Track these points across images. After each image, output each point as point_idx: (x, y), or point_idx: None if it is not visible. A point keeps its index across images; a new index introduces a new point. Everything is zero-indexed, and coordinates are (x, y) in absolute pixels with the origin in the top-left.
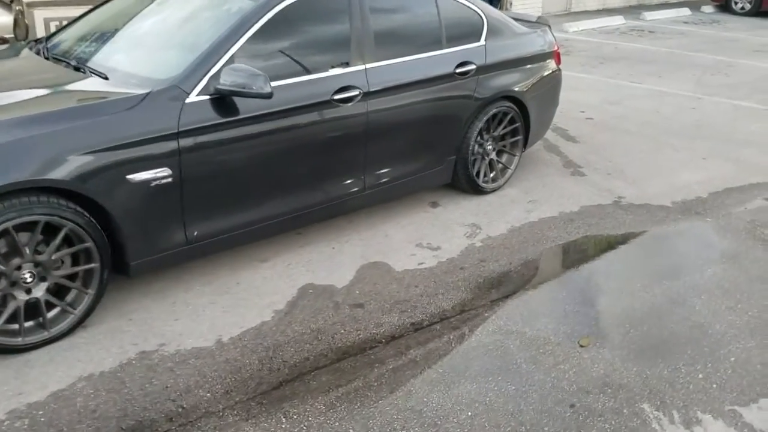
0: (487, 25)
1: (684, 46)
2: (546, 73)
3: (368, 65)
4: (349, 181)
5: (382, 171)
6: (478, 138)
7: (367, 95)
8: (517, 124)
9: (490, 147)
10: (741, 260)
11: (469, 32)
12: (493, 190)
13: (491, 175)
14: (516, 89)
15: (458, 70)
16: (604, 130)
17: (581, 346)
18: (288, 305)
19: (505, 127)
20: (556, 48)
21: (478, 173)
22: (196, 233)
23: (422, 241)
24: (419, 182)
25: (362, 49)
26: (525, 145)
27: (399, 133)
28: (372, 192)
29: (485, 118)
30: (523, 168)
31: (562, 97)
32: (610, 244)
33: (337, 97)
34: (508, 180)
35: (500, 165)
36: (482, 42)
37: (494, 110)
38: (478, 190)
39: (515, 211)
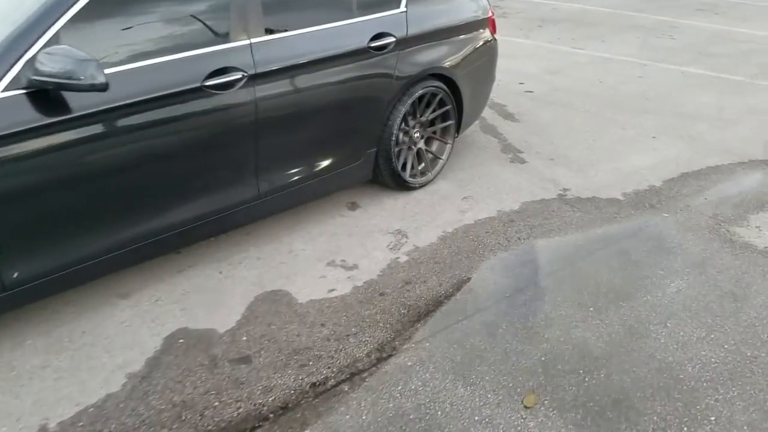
0: None
1: (625, 5)
2: (480, 45)
3: (254, 40)
4: (237, 189)
5: (282, 173)
6: (403, 125)
7: (254, 78)
8: (447, 107)
9: (417, 135)
10: (708, 270)
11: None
12: (423, 185)
13: (420, 167)
14: (445, 65)
15: (373, 44)
16: (545, 105)
17: (526, 407)
18: (147, 365)
19: (434, 111)
20: (491, 14)
21: (404, 166)
22: (16, 275)
23: (336, 257)
24: (332, 183)
25: (246, 19)
26: (458, 130)
27: (300, 126)
28: (270, 200)
29: (410, 102)
30: (457, 155)
31: (500, 66)
32: (557, 253)
33: (210, 82)
34: (440, 172)
35: (430, 155)
36: (402, 8)
37: (420, 91)
38: (404, 186)
39: (448, 212)
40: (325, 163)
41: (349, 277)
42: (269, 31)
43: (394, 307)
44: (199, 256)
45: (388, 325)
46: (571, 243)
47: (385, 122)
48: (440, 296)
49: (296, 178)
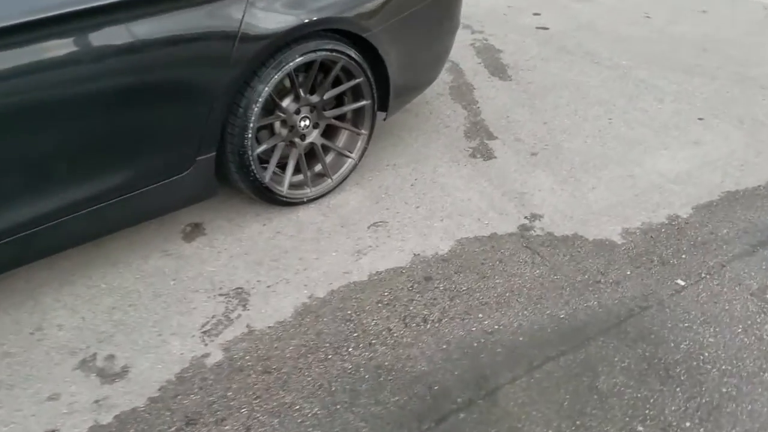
0: None
1: None
2: None
3: None
4: None
5: (19, 211)
6: (279, 112)
7: None
8: (358, 80)
9: (306, 124)
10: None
11: None
12: (316, 198)
13: (312, 171)
14: (349, 15)
15: None
16: (557, 53)
17: None
18: None
19: (334, 86)
20: None
21: (278, 175)
22: None
23: (99, 349)
24: (138, 207)
25: None
26: (386, 110)
27: (45, 125)
28: (20, 239)
29: (279, 76)
30: (393, 138)
31: None
32: (472, 366)
33: None
34: (350, 175)
35: (330, 154)
36: None
37: (300, 59)
38: (281, 202)
39: (335, 254)
40: (115, 178)
41: (106, 403)
42: None
43: None
44: None
45: None
46: (506, 341)
47: (228, 111)
48: None
49: (47, 213)
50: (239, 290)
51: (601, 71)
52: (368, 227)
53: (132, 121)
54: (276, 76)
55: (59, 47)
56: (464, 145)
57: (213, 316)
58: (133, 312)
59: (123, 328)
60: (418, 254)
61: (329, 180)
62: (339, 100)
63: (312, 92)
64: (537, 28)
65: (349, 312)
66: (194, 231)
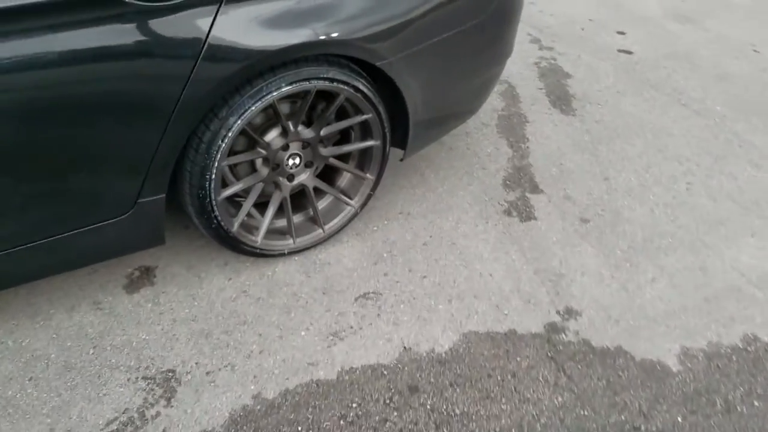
0: None
1: None
2: None
3: None
4: None
5: None
6: (259, 147)
7: None
8: (366, 117)
9: (295, 163)
10: None
11: None
12: (299, 251)
13: (298, 219)
14: (356, 38)
15: None
16: (637, 86)
17: None
18: None
19: (339, 117)
20: None
21: (253, 218)
22: None
23: None
24: (64, 253)
25: None
26: (402, 147)
27: None
28: None
29: (260, 106)
30: (415, 171)
31: None
32: None
33: None
34: (347, 225)
35: (327, 197)
36: None
37: (291, 87)
38: (255, 254)
39: (306, 332)
40: (28, 217)
41: None
42: None
43: None
44: None
45: None
46: None
47: (187, 144)
48: None
49: None
50: (169, 374)
51: (688, 117)
52: (356, 299)
53: (49, 147)
54: (253, 107)
55: None
56: (500, 196)
57: (125, 411)
58: (31, 389)
59: (10, 414)
60: (409, 348)
61: (320, 230)
62: (345, 135)
63: (308, 124)
64: (619, 51)
65: (299, 428)
66: (141, 278)
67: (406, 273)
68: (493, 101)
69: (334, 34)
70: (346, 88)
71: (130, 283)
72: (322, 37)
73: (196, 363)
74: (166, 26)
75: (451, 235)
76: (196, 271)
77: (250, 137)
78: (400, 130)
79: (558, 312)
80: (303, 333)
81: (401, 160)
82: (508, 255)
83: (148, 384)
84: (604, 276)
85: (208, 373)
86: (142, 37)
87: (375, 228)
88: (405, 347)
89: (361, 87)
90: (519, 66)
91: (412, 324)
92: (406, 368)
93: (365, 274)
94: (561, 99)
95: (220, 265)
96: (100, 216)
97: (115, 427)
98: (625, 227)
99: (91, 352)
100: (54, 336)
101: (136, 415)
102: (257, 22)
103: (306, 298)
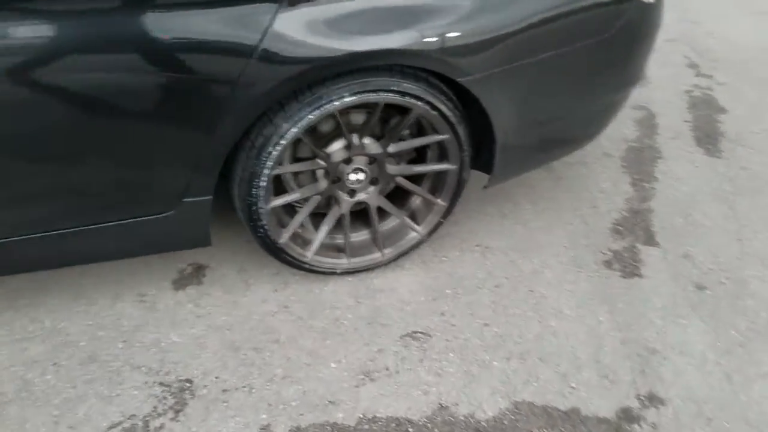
0: None
1: None
2: (579, 5)
3: None
4: None
5: None
6: (318, 159)
7: None
8: (442, 137)
9: (360, 178)
10: None
11: None
12: (351, 272)
13: (354, 238)
14: (432, 49)
15: None
16: None
17: None
18: None
19: (405, 134)
20: None
21: (307, 230)
22: None
23: None
24: (107, 241)
25: None
26: (490, 173)
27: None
28: None
29: (319, 115)
30: (509, 197)
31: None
32: None
33: None
34: (408, 252)
35: (392, 218)
36: None
37: (356, 98)
38: (304, 269)
39: (337, 365)
40: (72, 203)
41: None
42: None
43: None
44: None
45: None
46: None
47: (238, 147)
48: None
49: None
50: (186, 384)
51: None
52: (402, 336)
53: (95, 134)
54: (311, 116)
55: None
56: (604, 242)
57: (130, 417)
58: (51, 375)
59: (23, 398)
60: (446, 407)
61: (378, 253)
62: (423, 153)
63: (380, 137)
64: None
65: None
66: (191, 275)
67: (466, 316)
68: (625, 129)
69: (408, 44)
70: (419, 103)
71: (179, 279)
72: (394, 46)
73: (216, 377)
74: (220, 20)
75: (532, 280)
76: (246, 276)
77: (310, 147)
78: (486, 153)
79: (638, 396)
80: (333, 365)
81: (485, 187)
82: (594, 315)
83: (162, 391)
84: (707, 360)
85: (224, 391)
86: (193, 29)
87: (444, 258)
88: (441, 405)
89: (438, 104)
90: (667, 92)
91: (457, 378)
92: (435, 430)
93: (419, 310)
94: (708, 137)
95: (271, 274)
96: (144, 210)
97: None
98: (749, 303)
99: (120, 346)
100: (90, 323)
101: (140, 424)
102: (322, 23)
103: (348, 326)
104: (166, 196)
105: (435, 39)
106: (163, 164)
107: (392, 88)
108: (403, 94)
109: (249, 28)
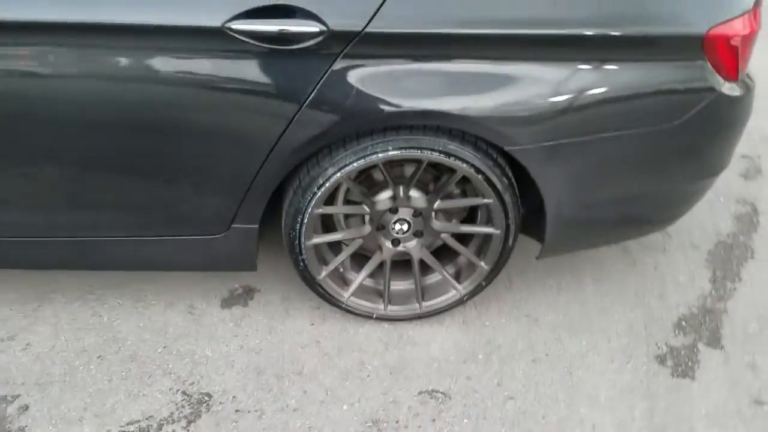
0: None
1: None
2: (665, 96)
3: None
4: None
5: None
6: (364, 205)
7: None
8: (486, 201)
9: (404, 229)
10: None
11: None
12: (392, 319)
13: (398, 284)
14: (475, 116)
15: (245, 27)
16: None
17: None
18: None
19: (454, 192)
20: (747, 23)
21: (347, 268)
22: None
23: (22, 400)
24: (157, 252)
25: None
26: (542, 240)
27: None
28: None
29: (362, 164)
30: (570, 271)
31: None
32: None
33: None
34: (447, 310)
35: (436, 274)
36: None
37: (399, 152)
38: (340, 308)
39: (341, 411)
40: (128, 216)
41: None
42: None
43: None
44: None
45: None
46: None
47: (287, 182)
48: None
49: (39, 223)
50: (205, 398)
51: None
52: (420, 392)
53: (161, 155)
54: (355, 164)
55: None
56: (664, 336)
57: (148, 418)
58: (94, 366)
59: (65, 382)
60: None
61: (416, 305)
62: (474, 212)
63: (426, 190)
64: None
65: None
66: (240, 296)
67: (492, 385)
68: (721, 222)
69: (455, 108)
70: (464, 166)
71: (229, 298)
72: (440, 109)
73: (234, 396)
74: (279, 68)
75: (573, 361)
76: (288, 306)
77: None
78: (540, 223)
79: None
80: (345, 407)
81: (537, 258)
82: (630, 410)
83: (183, 400)
84: None
85: (237, 411)
86: (253, 74)
87: (487, 323)
88: None
89: (484, 169)
90: None
91: None
92: None
93: (446, 369)
94: None
95: (312, 307)
96: (199, 230)
97: (132, 429)
98: None
99: (159, 351)
100: (140, 325)
101: (154, 425)
102: (372, 79)
103: (371, 370)
104: (218, 220)
105: (483, 106)
106: (216, 192)
107: (437, 147)
108: (447, 154)
109: (305, 77)
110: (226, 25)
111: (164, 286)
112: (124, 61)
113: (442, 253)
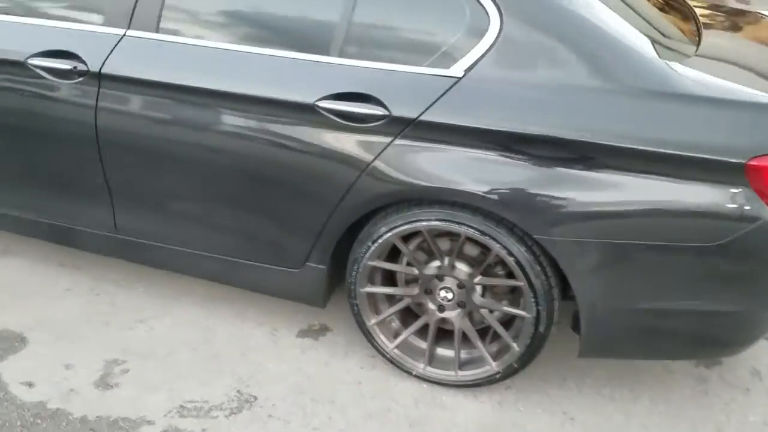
0: (502, 31)
1: None
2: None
3: (131, 32)
4: (88, 205)
5: (141, 215)
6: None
7: (100, 78)
8: (518, 284)
9: (449, 297)
10: None
11: (429, 42)
12: (429, 380)
13: (441, 349)
14: (498, 200)
15: (329, 105)
16: None
17: None
18: None
19: (486, 272)
20: None
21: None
22: None
23: (121, 365)
24: (237, 273)
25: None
26: (578, 330)
27: (167, 166)
28: (126, 241)
29: (407, 228)
30: (620, 372)
31: None
32: None
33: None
34: (481, 384)
35: (487, 346)
36: (456, 71)
37: (440, 224)
38: (383, 357)
39: None
40: (215, 238)
41: None
42: (153, 29)
43: None
44: None
45: None
46: None
47: (351, 234)
48: None
49: (159, 232)
50: (251, 398)
51: None
52: None
53: (255, 197)
54: (403, 227)
55: (166, 107)
56: None
57: (204, 401)
58: (187, 354)
59: (162, 360)
60: None
61: (453, 372)
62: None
63: (473, 264)
64: None
65: None
66: (315, 332)
67: None
68: None
69: (482, 191)
70: (497, 246)
71: (306, 330)
72: (474, 191)
73: (273, 404)
74: (349, 140)
75: None
76: (349, 349)
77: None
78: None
79: None
80: None
81: (578, 356)
82: None
83: (235, 395)
84: None
85: (270, 416)
86: (330, 142)
87: (521, 408)
88: None
89: (515, 251)
90: None
91: None
92: None
93: None
94: None
95: (368, 355)
96: (281, 262)
97: (189, 405)
98: None
99: (237, 356)
100: (233, 333)
101: (206, 407)
102: (420, 158)
103: (393, 418)
104: (296, 256)
105: (512, 192)
106: (296, 233)
107: (473, 225)
108: (483, 233)
109: (367, 150)
110: (316, 102)
111: (263, 309)
112: (241, 121)
113: (492, 330)
